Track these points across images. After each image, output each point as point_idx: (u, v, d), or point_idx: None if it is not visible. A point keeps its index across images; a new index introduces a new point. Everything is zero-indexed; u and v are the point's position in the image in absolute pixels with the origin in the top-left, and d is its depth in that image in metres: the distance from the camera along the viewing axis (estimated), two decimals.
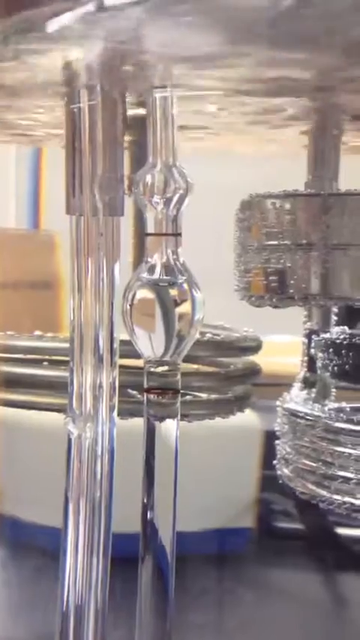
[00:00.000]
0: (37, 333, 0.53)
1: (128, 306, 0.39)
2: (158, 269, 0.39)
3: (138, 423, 0.43)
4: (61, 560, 0.41)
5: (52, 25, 0.32)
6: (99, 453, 0.40)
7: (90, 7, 0.31)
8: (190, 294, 0.39)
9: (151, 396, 0.40)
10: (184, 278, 0.39)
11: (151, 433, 0.40)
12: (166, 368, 0.40)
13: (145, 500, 0.41)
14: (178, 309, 0.39)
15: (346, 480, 0.49)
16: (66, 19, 0.32)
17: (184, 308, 0.39)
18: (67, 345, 0.42)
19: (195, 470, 1.08)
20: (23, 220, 1.26)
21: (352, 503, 0.49)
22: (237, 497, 1.15)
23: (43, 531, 0.81)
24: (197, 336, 0.40)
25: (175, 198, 0.40)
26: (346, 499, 0.49)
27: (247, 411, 1.05)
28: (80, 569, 0.41)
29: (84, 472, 0.41)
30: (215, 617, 0.92)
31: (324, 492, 0.50)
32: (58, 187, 0.41)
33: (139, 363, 0.43)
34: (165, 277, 0.39)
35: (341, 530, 1.12)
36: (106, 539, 0.41)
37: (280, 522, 1.19)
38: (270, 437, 1.08)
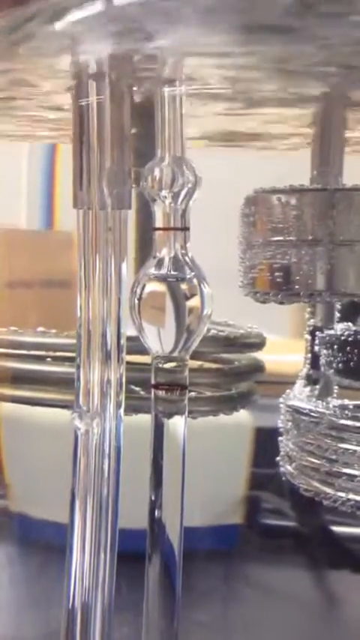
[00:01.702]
0: (41, 329, 0.52)
1: (136, 301, 0.39)
2: (166, 264, 0.39)
3: (141, 419, 0.42)
4: (67, 557, 0.41)
5: (60, 21, 0.32)
6: (106, 449, 0.40)
7: (98, 5, 0.31)
8: (200, 288, 0.39)
9: (159, 393, 0.40)
10: (193, 273, 0.39)
11: (159, 430, 0.40)
12: (174, 364, 0.40)
13: (153, 498, 0.41)
14: (188, 304, 0.38)
15: (351, 477, 0.49)
16: (75, 15, 0.32)
17: (194, 302, 0.39)
18: (69, 340, 0.41)
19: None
20: (35, 219, 1.26)
21: (356, 501, 0.49)
22: (226, 494, 1.15)
23: (51, 528, 0.81)
24: (204, 331, 0.40)
25: (183, 193, 0.39)
26: (351, 496, 0.49)
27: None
28: (87, 566, 0.41)
29: (91, 468, 0.40)
30: (205, 615, 0.92)
31: (328, 490, 0.50)
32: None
33: (143, 359, 0.43)
34: (173, 272, 0.39)
35: (335, 528, 1.12)
36: (113, 536, 0.41)
37: (269, 520, 1.19)
38: (261, 434, 1.08)
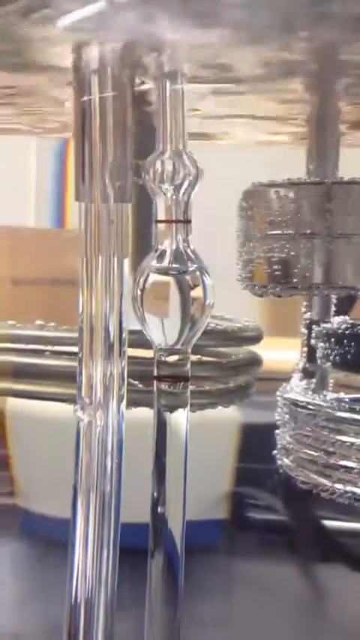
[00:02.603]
0: (39, 322, 0.52)
1: (139, 292, 0.39)
2: (168, 256, 0.39)
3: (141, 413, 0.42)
4: (69, 553, 0.41)
5: (65, 19, 0.32)
6: (108, 442, 0.40)
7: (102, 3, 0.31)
8: (202, 279, 0.39)
9: (162, 386, 0.40)
10: (195, 265, 0.39)
11: (162, 426, 0.40)
12: (176, 357, 0.40)
13: (156, 494, 0.41)
14: (191, 294, 0.38)
15: (349, 469, 0.49)
16: (78, 14, 0.32)
17: (196, 293, 0.39)
18: (68, 334, 0.41)
19: None
20: (44, 219, 1.25)
21: (354, 492, 0.49)
22: (211, 489, 1.16)
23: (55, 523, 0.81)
24: (207, 321, 0.40)
25: (184, 185, 0.39)
26: (348, 488, 0.49)
27: None
28: (89, 561, 0.41)
29: (93, 462, 0.40)
30: (192, 609, 0.92)
31: (326, 481, 0.50)
32: None
33: (142, 353, 0.43)
34: (175, 264, 0.39)
35: (325, 522, 1.13)
36: (115, 531, 0.41)
37: (254, 514, 1.20)
38: (246, 430, 1.08)
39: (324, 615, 1.01)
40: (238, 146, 0.67)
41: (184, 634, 0.43)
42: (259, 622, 0.95)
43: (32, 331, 0.51)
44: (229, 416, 1.03)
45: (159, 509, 0.41)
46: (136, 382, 0.48)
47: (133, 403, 0.46)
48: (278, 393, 0.54)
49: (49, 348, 0.50)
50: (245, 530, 1.17)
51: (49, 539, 0.92)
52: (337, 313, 0.57)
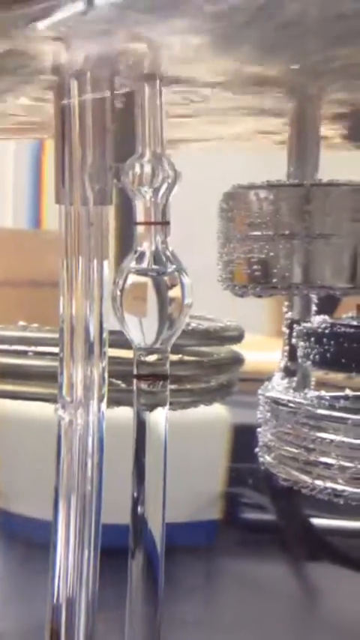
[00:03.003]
0: (21, 323, 0.53)
1: (119, 293, 0.40)
2: (148, 257, 0.40)
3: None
4: (51, 553, 0.42)
5: (44, 23, 0.33)
6: (89, 441, 0.41)
7: (80, 4, 0.32)
8: (180, 279, 0.40)
9: (142, 385, 0.41)
10: (174, 265, 0.40)
11: (141, 427, 0.41)
12: (156, 356, 0.40)
13: (135, 494, 0.41)
14: (170, 294, 0.39)
15: (328, 465, 0.49)
16: (57, 15, 0.32)
17: (174, 293, 0.39)
18: (51, 335, 0.42)
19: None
20: (22, 219, 1.25)
21: (333, 489, 0.50)
22: (204, 489, 1.16)
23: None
24: (186, 321, 0.41)
25: (163, 188, 0.40)
26: (328, 484, 0.50)
27: (215, 404, 1.06)
28: (71, 560, 0.41)
29: (74, 461, 0.41)
30: (187, 609, 0.93)
31: (306, 478, 0.50)
32: None
33: (125, 353, 0.44)
34: (155, 265, 0.40)
35: (315, 521, 1.13)
36: (96, 530, 0.41)
37: (247, 514, 1.20)
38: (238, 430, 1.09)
39: (316, 613, 1.02)
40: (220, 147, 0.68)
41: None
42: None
43: (15, 332, 0.52)
44: (223, 416, 1.04)
45: (139, 508, 0.41)
46: (119, 382, 0.48)
47: (115, 402, 0.47)
48: (260, 392, 0.54)
49: (32, 348, 0.50)
50: (238, 529, 1.18)
51: (30, 540, 0.92)
52: (322, 313, 0.58)
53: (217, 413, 1.08)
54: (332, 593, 1.08)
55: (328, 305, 0.63)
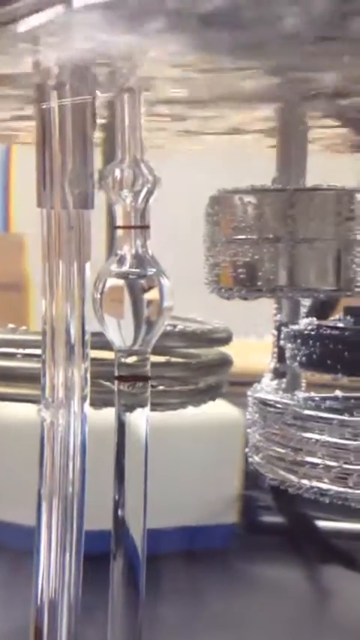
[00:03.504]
0: (11, 325, 0.54)
1: (99, 295, 0.41)
2: (128, 260, 0.41)
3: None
4: (34, 557, 0.42)
5: (22, 26, 0.33)
6: (70, 442, 0.41)
7: (59, 8, 0.32)
8: (159, 282, 0.40)
9: (122, 386, 0.41)
10: (153, 269, 0.41)
11: (121, 428, 0.41)
12: (135, 358, 0.41)
13: (116, 496, 0.42)
14: (147, 297, 0.40)
15: (314, 465, 0.50)
16: (35, 19, 0.33)
17: (152, 295, 0.40)
18: (39, 337, 0.42)
19: (178, 466, 1.10)
20: None
21: (319, 488, 0.50)
22: (220, 492, 1.17)
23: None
24: (166, 324, 0.41)
25: (143, 192, 0.41)
26: (314, 483, 0.50)
27: (229, 407, 1.07)
28: (54, 564, 0.42)
29: (56, 461, 0.41)
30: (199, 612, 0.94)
31: (293, 477, 0.51)
32: (29, 188, 0.42)
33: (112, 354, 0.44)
34: (134, 268, 0.41)
35: (322, 524, 1.14)
36: (79, 533, 0.42)
37: (264, 517, 1.21)
38: None
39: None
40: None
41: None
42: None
43: (3, 334, 0.53)
44: (237, 419, 1.05)
45: (119, 511, 0.42)
46: (107, 383, 0.49)
47: (103, 403, 0.47)
48: (249, 393, 0.55)
49: (20, 350, 0.51)
50: (254, 533, 1.19)
51: (12, 547, 0.93)
52: (319, 316, 0.58)
53: (231, 416, 1.09)
54: (341, 595, 1.08)
55: (325, 308, 0.64)
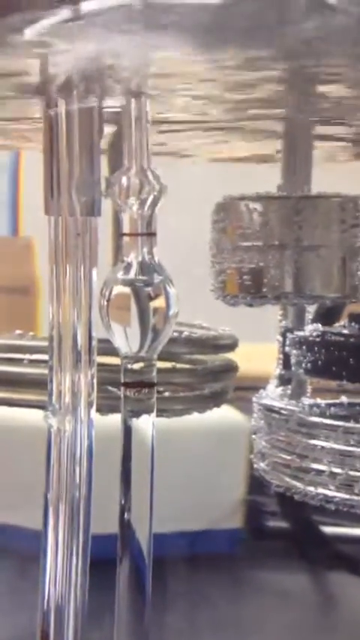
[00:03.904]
0: (18, 332, 0.54)
1: (105, 302, 0.41)
2: (134, 267, 0.41)
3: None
4: (41, 561, 0.42)
5: (29, 32, 0.34)
6: (77, 447, 0.42)
7: (67, 13, 0.32)
8: (165, 290, 0.41)
9: (128, 392, 0.42)
10: (160, 276, 0.41)
11: (127, 434, 0.41)
12: (142, 364, 0.41)
13: (123, 501, 0.42)
14: (153, 304, 0.40)
15: (320, 472, 0.50)
16: (42, 26, 0.33)
17: (159, 303, 0.40)
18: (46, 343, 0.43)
19: (184, 471, 1.10)
20: (2, 227, 1.27)
21: (325, 494, 0.50)
22: (225, 497, 1.17)
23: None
24: (172, 331, 0.42)
25: (149, 200, 0.41)
26: (320, 490, 0.50)
27: (234, 412, 1.07)
28: (60, 569, 0.42)
29: (63, 466, 0.42)
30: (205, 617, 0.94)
31: (298, 484, 0.51)
32: (37, 193, 0.42)
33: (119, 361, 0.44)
34: (141, 276, 0.41)
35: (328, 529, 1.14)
36: (85, 537, 0.42)
37: (269, 522, 1.21)
38: None
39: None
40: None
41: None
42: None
43: (10, 340, 0.53)
44: (243, 424, 1.05)
45: (125, 515, 0.42)
46: (115, 389, 0.49)
47: (110, 410, 0.47)
48: (254, 400, 0.55)
49: (27, 356, 0.52)
50: (259, 538, 1.19)
51: (18, 550, 0.93)
52: (326, 322, 0.58)
53: (237, 421, 1.09)
54: (346, 600, 1.08)
55: (330, 315, 0.64)
